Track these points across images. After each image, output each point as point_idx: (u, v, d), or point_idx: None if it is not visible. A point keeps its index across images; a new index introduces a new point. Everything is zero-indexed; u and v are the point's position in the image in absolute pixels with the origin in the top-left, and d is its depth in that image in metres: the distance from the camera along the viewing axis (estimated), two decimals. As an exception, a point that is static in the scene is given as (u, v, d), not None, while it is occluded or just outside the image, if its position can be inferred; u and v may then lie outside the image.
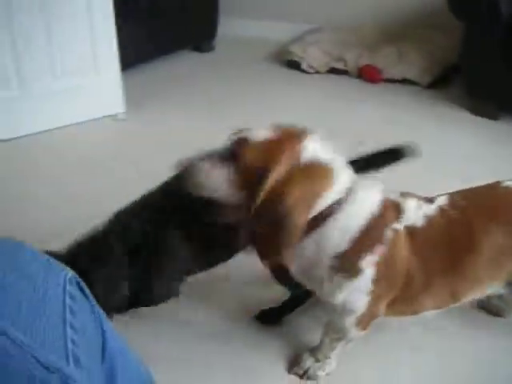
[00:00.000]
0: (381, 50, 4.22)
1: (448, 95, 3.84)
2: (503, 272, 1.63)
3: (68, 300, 0.94)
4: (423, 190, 2.67)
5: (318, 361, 1.80)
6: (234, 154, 1.47)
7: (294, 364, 1.84)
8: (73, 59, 3.36)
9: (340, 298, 1.56)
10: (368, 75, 4.13)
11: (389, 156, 1.92)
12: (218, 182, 1.50)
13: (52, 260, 1.01)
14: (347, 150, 3.13)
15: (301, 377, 1.80)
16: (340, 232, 1.47)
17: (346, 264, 1.50)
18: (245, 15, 5.20)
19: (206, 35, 4.82)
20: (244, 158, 1.44)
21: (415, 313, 1.70)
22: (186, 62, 4.60)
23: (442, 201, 1.61)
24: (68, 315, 0.92)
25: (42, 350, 0.75)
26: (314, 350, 1.82)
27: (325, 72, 4.31)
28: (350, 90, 4.03)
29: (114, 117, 3.53)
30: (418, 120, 3.54)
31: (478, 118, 3.53)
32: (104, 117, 3.51)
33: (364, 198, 1.50)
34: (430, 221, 1.55)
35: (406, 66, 4.05)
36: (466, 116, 3.58)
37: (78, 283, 1.00)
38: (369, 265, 1.50)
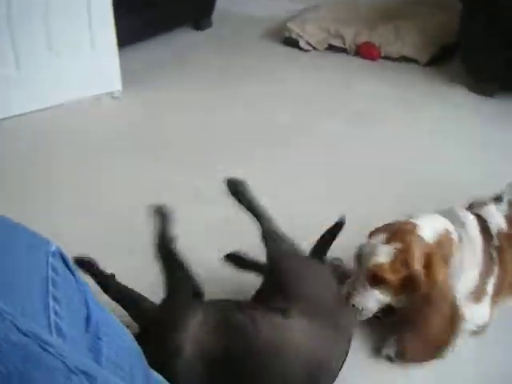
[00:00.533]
0: (379, 28, 4.20)
1: (447, 73, 3.82)
2: None
3: (50, 272, 0.95)
4: (426, 167, 2.68)
5: None
6: (376, 278, 1.68)
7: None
8: (69, 35, 3.33)
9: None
10: (366, 52, 4.11)
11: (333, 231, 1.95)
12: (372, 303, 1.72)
13: (35, 233, 1.01)
14: (346, 126, 3.16)
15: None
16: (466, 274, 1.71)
17: (476, 295, 1.72)
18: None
19: (203, 12, 4.79)
20: (390, 280, 1.66)
21: None
22: (183, 40, 4.58)
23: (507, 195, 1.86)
24: (50, 287, 0.93)
25: (21, 318, 0.76)
26: None
27: (323, 49, 4.29)
28: (348, 67, 4.02)
29: (110, 94, 3.52)
30: (417, 97, 3.54)
31: (477, 96, 3.52)
32: (100, 94, 3.49)
33: (470, 239, 1.73)
34: (508, 219, 1.79)
35: (404, 44, 4.03)
36: (465, 93, 3.57)
37: (61, 256, 1.01)
38: (491, 286, 1.73)
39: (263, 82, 3.78)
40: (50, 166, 2.82)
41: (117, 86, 3.53)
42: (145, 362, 1.16)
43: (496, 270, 1.73)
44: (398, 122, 3.23)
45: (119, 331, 1.11)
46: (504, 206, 1.82)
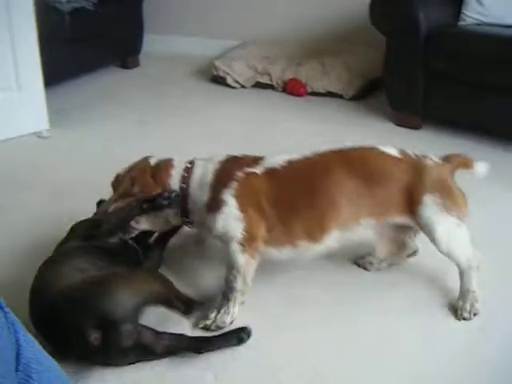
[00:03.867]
0: (305, 64, 4.28)
1: (372, 107, 3.93)
2: (359, 214, 2.02)
3: (-21, 309, 0.93)
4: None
5: (220, 308, 2.01)
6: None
7: (200, 319, 2.02)
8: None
9: (218, 228, 1.99)
10: (293, 89, 4.18)
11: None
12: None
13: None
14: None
15: (209, 328, 1.98)
16: (200, 187, 2.06)
17: (213, 203, 2.01)
18: (169, 32, 5.22)
19: (130, 51, 4.81)
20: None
21: (292, 244, 2.03)
22: (111, 79, 4.58)
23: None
24: None
25: None
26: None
27: (250, 87, 4.35)
28: (275, 104, 4.08)
29: (38, 133, 3.48)
30: (343, 131, 3.59)
31: (402, 129, 3.62)
32: (27, 134, 3.45)
33: (204, 164, 2.12)
34: (291, 163, 2.06)
35: (329, 80, 4.12)
36: (390, 126, 3.66)
37: (-10, 293, 0.98)
38: (228, 196, 1.98)
39: (190, 119, 3.80)
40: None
41: (44, 125, 3.50)
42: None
43: (235, 185, 2.01)
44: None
45: (48, 364, 1.09)
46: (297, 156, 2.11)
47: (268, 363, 1.85)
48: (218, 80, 4.40)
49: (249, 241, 1.97)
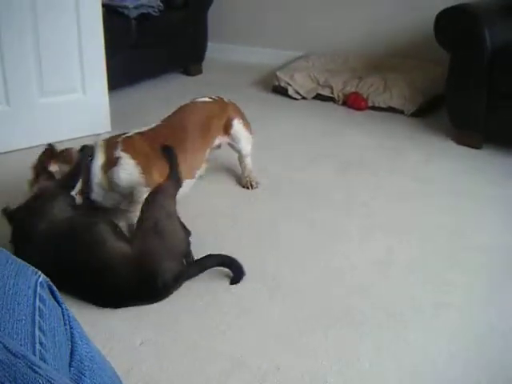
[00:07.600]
0: (367, 78, 4.27)
1: (433, 124, 3.88)
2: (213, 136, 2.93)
3: (38, 303, 0.94)
4: (409, 213, 2.67)
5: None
6: None
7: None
8: (61, 77, 3.40)
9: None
10: (354, 103, 4.17)
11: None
12: None
13: (25, 264, 1.01)
14: (333, 174, 3.16)
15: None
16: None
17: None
18: (232, 41, 5.28)
19: (194, 59, 4.87)
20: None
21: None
22: (174, 84, 4.64)
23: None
24: (37, 317, 0.92)
25: (9, 340, 0.75)
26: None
27: (311, 98, 4.35)
28: (335, 117, 4.06)
29: (99, 135, 3.53)
30: (402, 147, 3.57)
31: (462, 147, 3.56)
32: (89, 135, 3.51)
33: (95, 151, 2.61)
34: (153, 129, 2.82)
35: (391, 95, 4.10)
36: (450, 145, 3.61)
37: (49, 287, 1.00)
38: (122, 154, 2.58)
39: (252, 127, 3.79)
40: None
41: (106, 127, 3.56)
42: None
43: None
44: (383, 171, 3.25)
45: (102, 365, 1.10)
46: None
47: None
48: (279, 90, 4.42)
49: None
